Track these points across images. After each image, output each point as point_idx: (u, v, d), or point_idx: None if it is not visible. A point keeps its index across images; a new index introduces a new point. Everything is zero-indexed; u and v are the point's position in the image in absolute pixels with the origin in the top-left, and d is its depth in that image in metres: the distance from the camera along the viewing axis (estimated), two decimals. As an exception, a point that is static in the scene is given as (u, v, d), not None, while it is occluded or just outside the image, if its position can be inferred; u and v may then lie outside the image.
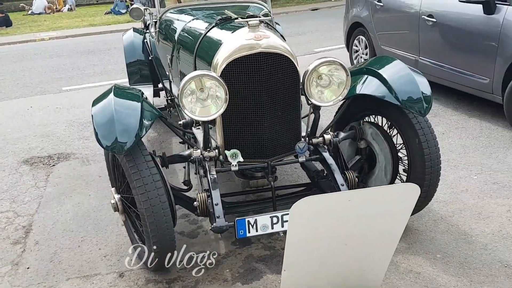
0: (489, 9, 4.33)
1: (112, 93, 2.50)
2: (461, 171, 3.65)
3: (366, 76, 2.78)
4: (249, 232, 2.35)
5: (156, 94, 4.95)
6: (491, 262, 2.61)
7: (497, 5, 4.31)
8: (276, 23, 4.32)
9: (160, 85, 4.80)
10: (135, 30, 5.20)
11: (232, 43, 2.49)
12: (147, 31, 4.98)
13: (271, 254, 2.78)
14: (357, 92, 2.72)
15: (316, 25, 11.86)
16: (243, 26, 2.57)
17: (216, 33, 2.92)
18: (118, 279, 2.67)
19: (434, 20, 4.97)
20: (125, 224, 2.85)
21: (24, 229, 3.26)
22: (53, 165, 4.30)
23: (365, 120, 3.00)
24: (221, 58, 2.48)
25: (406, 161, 2.75)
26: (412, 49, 5.44)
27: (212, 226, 2.37)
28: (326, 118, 4.32)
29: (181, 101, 2.40)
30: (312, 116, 2.74)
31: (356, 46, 6.68)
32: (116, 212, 2.60)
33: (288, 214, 2.33)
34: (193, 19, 3.59)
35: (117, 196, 2.59)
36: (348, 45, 6.89)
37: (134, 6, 4.61)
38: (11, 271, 2.81)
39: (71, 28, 14.66)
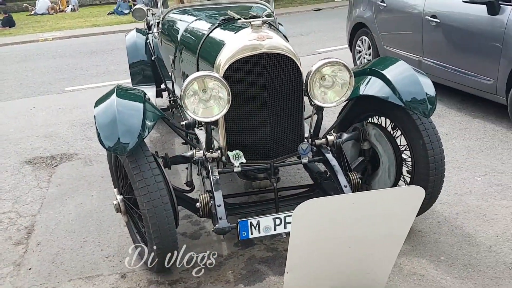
0: (493, 9, 4.31)
1: (114, 94, 2.50)
2: (465, 172, 3.63)
3: (369, 77, 2.76)
4: (251, 233, 2.34)
5: (158, 94, 4.95)
6: (495, 265, 2.59)
7: (501, 5, 4.28)
8: (279, 24, 4.31)
9: (162, 86, 4.80)
10: (138, 30, 5.20)
11: (235, 44, 2.48)
12: (150, 31, 4.98)
13: (274, 256, 2.77)
14: (361, 93, 2.70)
15: (319, 25, 11.84)
16: (246, 27, 2.56)
17: (219, 34, 2.91)
18: (120, 280, 2.66)
19: (437, 20, 4.95)
20: (127, 225, 2.85)
21: (26, 229, 3.25)
22: (56, 166, 4.30)
23: (368, 121, 2.98)
24: (224, 58, 2.47)
25: (410, 163, 2.73)
26: (415, 49, 5.42)
27: (215, 227, 2.36)
28: (329, 119, 4.30)
29: (183, 101, 2.40)
30: (315, 117, 2.73)
31: (359, 47, 6.67)
32: (118, 213, 2.60)
33: (291, 215, 2.32)
34: (195, 20, 3.58)
35: (119, 197, 2.58)
36: (351, 45, 6.87)
37: (137, 6, 4.63)
38: (13, 272, 2.80)
39: (74, 29, 14.70)
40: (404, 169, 2.84)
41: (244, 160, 2.54)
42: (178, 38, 3.56)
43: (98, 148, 4.47)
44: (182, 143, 3.68)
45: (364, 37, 6.49)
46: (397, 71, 2.69)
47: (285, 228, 2.35)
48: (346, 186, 2.52)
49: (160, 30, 4.16)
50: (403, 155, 2.81)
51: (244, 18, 2.61)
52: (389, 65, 2.76)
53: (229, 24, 2.97)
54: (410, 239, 2.82)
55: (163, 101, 5.26)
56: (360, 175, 2.82)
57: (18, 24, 16.49)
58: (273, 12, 4.03)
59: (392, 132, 2.86)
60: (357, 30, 6.65)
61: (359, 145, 2.97)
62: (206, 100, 2.43)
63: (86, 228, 3.22)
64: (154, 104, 2.84)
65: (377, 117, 3.00)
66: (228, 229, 2.34)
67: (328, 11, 15.29)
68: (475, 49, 4.57)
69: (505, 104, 4.38)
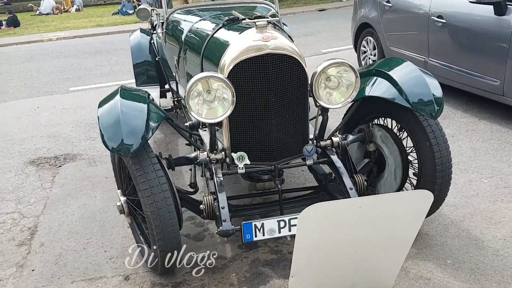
0: (500, 10, 4.27)
1: (118, 95, 2.48)
2: (472, 174, 3.59)
3: (375, 78, 2.73)
4: (255, 236, 2.31)
5: (162, 95, 4.94)
6: (503, 269, 2.55)
7: (508, 6, 4.24)
8: (284, 24, 4.28)
9: (166, 86, 4.78)
10: (142, 30, 5.19)
11: (240, 44, 2.45)
12: (154, 32, 4.97)
13: (278, 258, 2.74)
14: (367, 94, 2.68)
15: (323, 25, 11.81)
16: (251, 27, 2.54)
17: (223, 34, 2.89)
18: (123, 282, 2.64)
19: (443, 21, 4.91)
20: (131, 227, 2.83)
21: (29, 230, 3.24)
22: (59, 166, 4.29)
23: (374, 123, 2.95)
24: (228, 59, 2.45)
25: (416, 165, 2.70)
26: (421, 50, 5.38)
27: (219, 229, 2.34)
28: (334, 120, 4.27)
29: (187, 102, 2.38)
30: (320, 118, 2.70)
31: (364, 47, 6.63)
32: (122, 214, 2.58)
33: (295, 218, 2.30)
34: (200, 20, 3.56)
35: (123, 199, 2.57)
36: (356, 46, 6.84)
37: (141, 6, 4.60)
38: (15, 273, 2.79)
39: (78, 29, 14.74)
40: (410, 171, 2.81)
41: (248, 162, 2.52)
42: (182, 39, 3.54)
43: (102, 148, 4.45)
44: (186, 144, 3.65)
45: (369, 38, 6.45)
46: (403, 72, 2.66)
47: (289, 230, 2.32)
48: (351, 189, 2.50)
49: (164, 30, 4.15)
50: (409, 157, 2.78)
51: (249, 19, 2.59)
52: (395, 66, 2.73)
53: (233, 24, 2.95)
54: (416, 242, 2.78)
55: (167, 102, 5.24)
56: (366, 177, 2.79)
57: (22, 24, 16.56)
58: (277, 12, 4.01)
59: (398, 134, 2.83)
60: (362, 31, 6.61)
61: (364, 147, 2.94)
62: (210, 101, 2.41)
63: (89, 229, 3.20)
64: (158, 104, 2.82)
65: (383, 118, 2.97)
66: (232, 232, 2.32)
67: (333, 11, 15.25)
68: (482, 49, 4.53)
69: (512, 105, 4.35)
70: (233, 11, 3.23)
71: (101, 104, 2.51)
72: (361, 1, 6.61)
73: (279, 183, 2.58)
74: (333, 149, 2.72)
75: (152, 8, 4.65)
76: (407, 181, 2.82)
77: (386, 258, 2.05)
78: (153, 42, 4.89)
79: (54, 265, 2.84)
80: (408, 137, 2.72)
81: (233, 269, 2.68)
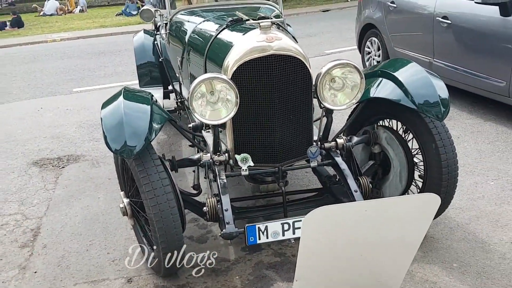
0: (506, 10, 4.23)
1: (121, 96, 2.47)
2: (478, 176, 3.56)
3: (380, 79, 2.71)
4: (259, 239, 2.29)
5: (166, 96, 4.92)
6: (510, 272, 2.52)
7: (514, 6, 4.21)
8: (287, 25, 4.26)
9: (170, 87, 4.77)
10: (145, 31, 5.18)
11: (243, 45, 2.43)
12: (158, 32, 4.96)
13: (282, 261, 2.72)
14: (372, 95, 2.65)
15: (327, 26, 11.78)
16: (255, 28, 2.52)
17: (227, 35, 2.87)
18: (126, 284, 2.62)
19: (449, 21, 4.88)
20: (134, 229, 2.82)
21: (32, 232, 3.23)
22: (63, 167, 4.28)
23: (379, 124, 2.92)
24: (232, 60, 2.43)
25: (422, 167, 2.67)
26: (426, 51, 5.35)
27: (222, 232, 2.32)
28: (339, 121, 4.24)
29: (191, 104, 2.36)
30: (324, 120, 2.68)
31: (369, 48, 6.60)
32: (125, 216, 2.57)
33: (299, 220, 2.28)
34: (203, 21, 3.55)
35: (126, 200, 2.55)
36: (360, 46, 6.80)
37: (144, 7, 4.60)
38: (18, 275, 2.78)
39: (82, 30, 14.77)
40: (416, 174, 2.78)
41: (252, 164, 2.50)
42: (186, 40, 3.52)
43: (105, 149, 4.42)
44: (189, 146, 3.64)
45: (374, 38, 6.42)
46: (409, 73, 2.63)
47: (293, 233, 2.30)
48: (356, 191, 2.47)
49: (167, 31, 4.13)
50: (414, 159, 2.75)
51: (253, 19, 2.57)
52: (400, 67, 2.70)
53: (237, 25, 2.93)
54: (422, 245, 2.74)
55: (170, 103, 5.23)
56: (371, 180, 2.77)
57: (26, 25, 16.61)
58: (281, 13, 3.99)
59: (403, 136, 2.80)
60: (366, 31, 6.58)
61: (369, 149, 2.91)
62: (214, 102, 2.40)
63: (92, 231, 3.19)
64: (162, 106, 2.80)
65: (388, 120, 2.94)
66: (235, 234, 2.30)
67: (336, 12, 15.22)
68: (487, 50, 4.49)
69: (518, 106, 4.31)
70: (237, 11, 3.21)
71: (104, 105, 2.50)
72: (365, 2, 6.58)
73: (283, 185, 2.56)
74: (338, 151, 2.70)
75: (155, 9, 4.65)
76: (413, 183, 2.80)
77: (391, 262, 2.03)
78: (157, 43, 4.88)
79: (56, 267, 2.82)
80: (414, 139, 2.69)
81: (236, 271, 2.66)
